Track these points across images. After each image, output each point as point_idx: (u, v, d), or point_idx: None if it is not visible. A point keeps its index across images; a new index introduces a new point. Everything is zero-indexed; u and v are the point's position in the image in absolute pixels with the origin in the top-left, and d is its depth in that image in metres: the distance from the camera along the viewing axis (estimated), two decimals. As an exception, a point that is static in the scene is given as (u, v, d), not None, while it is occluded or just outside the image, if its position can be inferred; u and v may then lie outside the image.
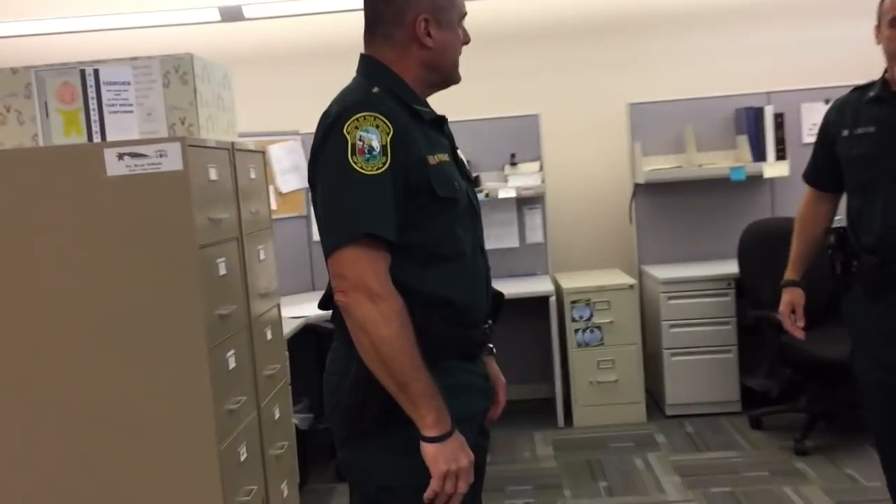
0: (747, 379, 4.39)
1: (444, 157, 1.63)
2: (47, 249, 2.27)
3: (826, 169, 2.59)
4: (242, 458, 2.54)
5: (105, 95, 2.33)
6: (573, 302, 4.37)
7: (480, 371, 1.72)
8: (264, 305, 2.92)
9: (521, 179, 4.64)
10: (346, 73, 1.73)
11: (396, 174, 1.50)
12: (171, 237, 2.28)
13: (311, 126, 4.83)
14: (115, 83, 2.35)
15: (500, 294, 1.80)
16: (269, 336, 2.94)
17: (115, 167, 2.27)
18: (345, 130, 1.49)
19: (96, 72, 2.33)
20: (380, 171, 1.49)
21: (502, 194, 4.55)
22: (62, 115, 2.67)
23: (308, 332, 3.87)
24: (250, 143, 3.07)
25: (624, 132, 4.88)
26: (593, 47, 4.95)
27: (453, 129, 4.59)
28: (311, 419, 3.80)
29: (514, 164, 4.71)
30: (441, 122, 1.71)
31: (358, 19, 1.72)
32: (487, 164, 4.78)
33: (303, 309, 4.07)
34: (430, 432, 1.47)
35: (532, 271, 4.82)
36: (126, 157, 2.26)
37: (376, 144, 1.49)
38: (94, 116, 2.35)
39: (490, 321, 1.75)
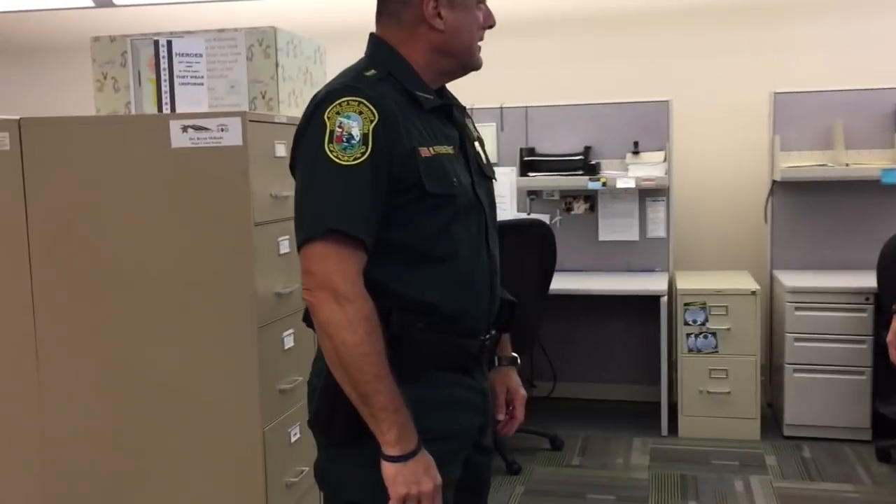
0: (881, 405, 3.95)
1: (446, 149, 1.49)
2: (111, 218, 2.32)
3: None
4: (294, 439, 2.51)
5: (177, 67, 2.33)
6: (686, 304, 4.07)
7: (476, 385, 1.57)
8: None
9: (643, 169, 4.37)
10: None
11: (378, 165, 1.38)
12: (226, 212, 2.26)
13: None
14: (187, 55, 2.35)
15: (512, 302, 1.65)
16: (341, 316, 2.89)
17: (179, 139, 2.28)
18: (325, 116, 1.39)
19: (169, 43, 2.33)
20: (357, 161, 1.37)
21: (621, 184, 4.29)
22: (152, 84, 2.72)
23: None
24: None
25: (764, 124, 4.48)
26: (734, 29, 4.57)
27: (573, 112, 4.37)
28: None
29: (636, 152, 4.44)
30: (448, 110, 1.56)
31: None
32: (608, 151, 4.53)
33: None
34: (390, 450, 1.36)
35: (650, 267, 4.54)
36: (189, 130, 2.26)
37: (357, 132, 1.38)
38: (165, 87, 2.36)
39: (493, 331, 1.60)
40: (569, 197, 4.63)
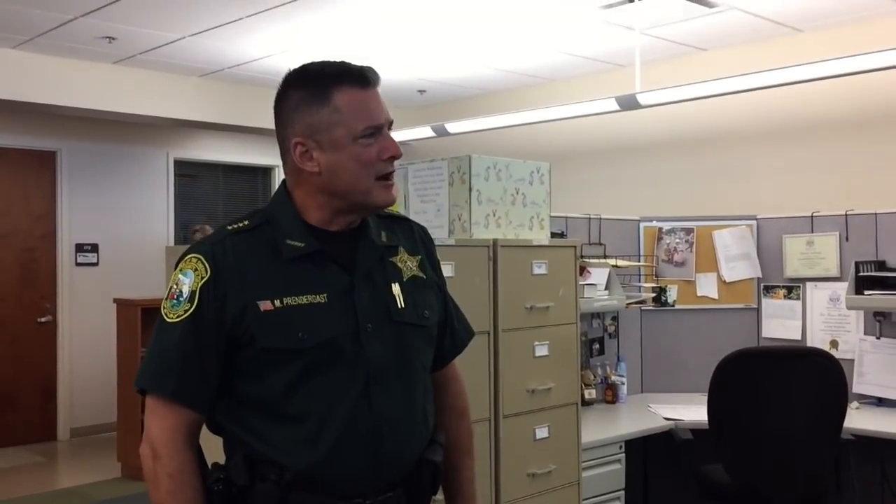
0: None
1: (309, 298, 1.43)
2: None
3: None
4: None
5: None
6: None
7: None
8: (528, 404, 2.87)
9: None
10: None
11: (201, 321, 1.40)
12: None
13: (770, 211, 4.64)
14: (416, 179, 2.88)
15: (430, 462, 1.51)
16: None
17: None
18: (175, 273, 1.46)
19: (405, 171, 2.87)
20: (179, 318, 1.40)
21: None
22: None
23: (670, 437, 3.58)
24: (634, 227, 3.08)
25: None
26: None
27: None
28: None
29: None
30: (327, 255, 1.48)
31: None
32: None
33: (682, 412, 3.76)
34: None
35: None
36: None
37: (186, 289, 1.41)
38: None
39: (391, 493, 1.46)
40: (931, 321, 3.83)
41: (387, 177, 1.49)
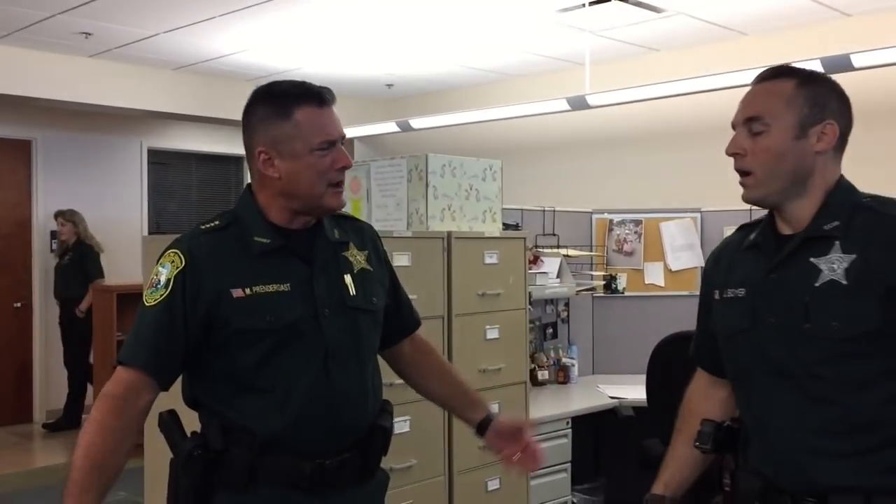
0: None
1: (274, 286, 1.64)
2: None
3: (706, 344, 1.79)
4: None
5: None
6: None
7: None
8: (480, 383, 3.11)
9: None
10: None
11: (174, 305, 1.60)
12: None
13: (712, 205, 4.94)
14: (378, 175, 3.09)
15: (381, 427, 1.74)
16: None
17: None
18: (156, 265, 1.66)
19: (367, 168, 3.08)
20: (156, 302, 1.61)
21: None
22: (351, 202, 3.37)
23: (613, 414, 3.87)
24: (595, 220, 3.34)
25: None
26: None
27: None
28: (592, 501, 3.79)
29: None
30: (291, 249, 1.68)
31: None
32: None
33: (627, 391, 4.05)
34: None
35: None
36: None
37: (163, 278, 1.62)
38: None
39: (348, 454, 1.67)
40: None
41: (338, 184, 1.69)
